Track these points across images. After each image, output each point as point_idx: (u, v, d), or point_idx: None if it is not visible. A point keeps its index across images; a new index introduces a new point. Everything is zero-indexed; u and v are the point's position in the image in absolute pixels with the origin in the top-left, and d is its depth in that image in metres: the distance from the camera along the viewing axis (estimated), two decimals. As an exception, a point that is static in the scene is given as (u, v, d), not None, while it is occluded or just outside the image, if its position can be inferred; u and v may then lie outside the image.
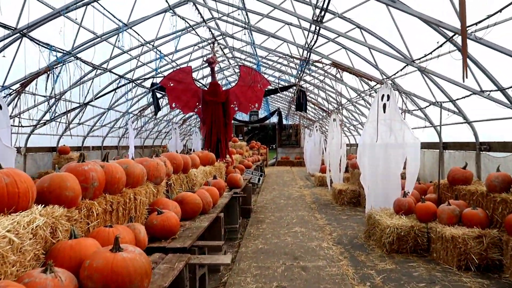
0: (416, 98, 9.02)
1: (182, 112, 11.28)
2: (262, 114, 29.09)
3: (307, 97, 12.96)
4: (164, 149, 22.40)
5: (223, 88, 11.20)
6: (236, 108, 10.72)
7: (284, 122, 29.79)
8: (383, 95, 8.06)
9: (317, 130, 21.23)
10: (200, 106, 10.72)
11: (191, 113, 15.20)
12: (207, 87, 11.00)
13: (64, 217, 2.90)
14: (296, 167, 28.30)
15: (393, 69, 8.42)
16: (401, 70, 7.88)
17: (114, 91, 11.83)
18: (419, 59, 7.08)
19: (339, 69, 8.67)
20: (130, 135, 14.62)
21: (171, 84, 10.67)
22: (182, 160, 6.40)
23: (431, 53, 6.34)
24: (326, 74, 10.86)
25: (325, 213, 10.32)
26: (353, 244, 7.26)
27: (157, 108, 12.93)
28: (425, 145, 10.17)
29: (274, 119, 28.21)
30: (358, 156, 8.56)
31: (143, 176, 4.49)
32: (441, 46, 6.07)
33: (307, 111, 12.75)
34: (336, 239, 7.64)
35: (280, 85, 12.83)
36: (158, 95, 12.69)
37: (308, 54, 9.24)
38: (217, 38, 11.67)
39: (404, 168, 8.05)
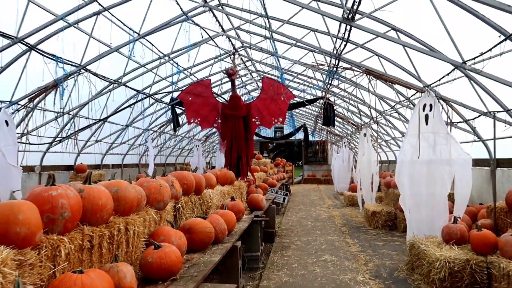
0: (464, 107, 7.84)
1: (201, 128, 10.56)
2: (287, 130, 28.24)
3: (335, 111, 12.05)
4: (187, 167, 21.85)
5: (244, 102, 10.45)
6: (258, 123, 9.92)
7: (311, 138, 28.80)
8: (424, 105, 7.07)
9: (345, 146, 20.14)
10: (219, 121, 10.00)
11: (215, 129, 14.53)
12: (227, 101, 10.29)
13: (10, 262, 2.12)
14: (323, 185, 27.10)
15: (433, 77, 7.52)
16: (447, 74, 6.90)
17: (131, 107, 11.31)
18: (473, 58, 5.95)
19: (372, 77, 7.71)
20: (149, 153, 14.06)
21: (190, 98, 10.02)
22: (194, 180, 5.60)
23: (490, 50, 5.30)
24: (356, 84, 9.94)
25: (358, 238, 9.24)
26: (394, 279, 6.19)
27: (177, 124, 12.32)
28: (472, 162, 8.96)
29: (300, 136, 27.36)
30: (397, 174, 7.53)
31: (139, 201, 3.70)
32: (499, 43, 5.09)
33: (335, 126, 11.78)
34: (373, 271, 6.58)
35: (305, 99, 11.99)
36: (178, 111, 12.12)
37: (337, 61, 8.36)
38: (238, 49, 11.01)
39: (452, 189, 6.97)
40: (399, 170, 7.46)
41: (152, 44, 8.87)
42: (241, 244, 5.44)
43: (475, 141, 8.47)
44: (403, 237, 8.75)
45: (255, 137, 28.20)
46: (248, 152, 9.81)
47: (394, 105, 10.64)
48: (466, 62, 6.07)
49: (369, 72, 7.72)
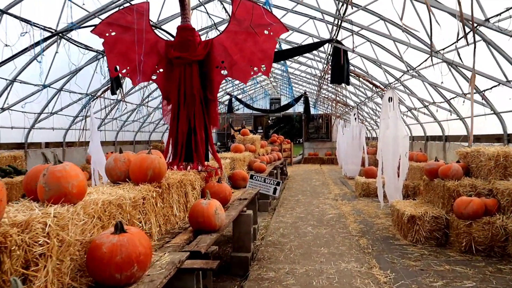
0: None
1: (132, 83, 6.55)
2: (285, 102, 24.21)
3: (349, 62, 8.01)
4: (162, 146, 18.13)
5: (202, 38, 6.38)
6: (225, 72, 5.94)
7: (313, 111, 24.79)
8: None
9: (355, 118, 16.13)
10: (161, 70, 6.04)
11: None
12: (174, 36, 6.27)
13: None
14: (327, 166, 23.26)
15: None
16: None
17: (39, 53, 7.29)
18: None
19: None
20: (92, 125, 10.18)
21: (113, 33, 6.00)
22: None
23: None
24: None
25: (392, 267, 5.42)
26: None
27: (116, 83, 8.40)
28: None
29: (301, 108, 23.33)
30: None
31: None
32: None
33: (349, 83, 7.79)
34: None
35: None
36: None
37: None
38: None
39: None
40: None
41: None
42: None
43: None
44: (470, 264, 4.98)
45: (246, 110, 24.17)
46: (208, 122, 5.89)
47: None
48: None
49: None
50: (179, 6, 5.91)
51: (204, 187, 5.35)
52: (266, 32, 5.92)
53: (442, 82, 7.06)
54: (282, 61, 14.84)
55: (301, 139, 33.59)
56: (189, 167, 5.44)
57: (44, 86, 8.65)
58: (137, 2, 6.28)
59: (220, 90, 19.39)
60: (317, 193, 12.55)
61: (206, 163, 5.81)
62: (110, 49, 6.03)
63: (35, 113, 9.87)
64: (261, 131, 28.51)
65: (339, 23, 7.43)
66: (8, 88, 8.55)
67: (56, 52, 7.56)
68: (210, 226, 3.95)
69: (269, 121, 46.06)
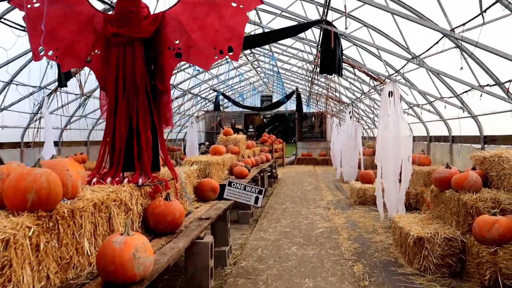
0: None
1: (61, 69, 5.18)
2: (276, 99, 22.84)
3: (341, 47, 6.64)
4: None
5: (151, 11, 4.99)
6: (181, 56, 4.58)
7: (306, 109, 23.45)
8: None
9: (351, 116, 14.80)
10: (97, 52, 4.66)
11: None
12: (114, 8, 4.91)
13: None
14: (320, 167, 21.94)
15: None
16: (436, 43, 6.29)
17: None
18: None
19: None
20: (46, 124, 8.79)
21: (36, 4, 4.65)
22: None
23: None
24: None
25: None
26: None
27: (65, 76, 7.05)
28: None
29: (293, 106, 22.00)
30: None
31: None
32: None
33: (342, 74, 6.42)
34: None
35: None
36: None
37: None
38: None
39: None
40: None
41: None
42: None
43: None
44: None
45: (235, 108, 22.66)
46: (158, 119, 4.54)
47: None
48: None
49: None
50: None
51: (146, 207, 4.01)
52: (234, 4, 4.58)
53: (461, 68, 5.72)
54: (270, 53, 13.47)
55: (295, 138, 32.24)
56: (126, 180, 4.08)
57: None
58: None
59: (202, 84, 18.12)
60: (308, 200, 11.22)
61: (154, 174, 4.46)
62: (33, 25, 4.66)
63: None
64: (252, 130, 27.11)
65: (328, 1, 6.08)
66: None
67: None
68: (125, 277, 2.60)
69: (264, 119, 44.67)
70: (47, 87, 9.05)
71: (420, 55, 6.90)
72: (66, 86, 7.59)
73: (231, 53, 4.62)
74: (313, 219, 8.73)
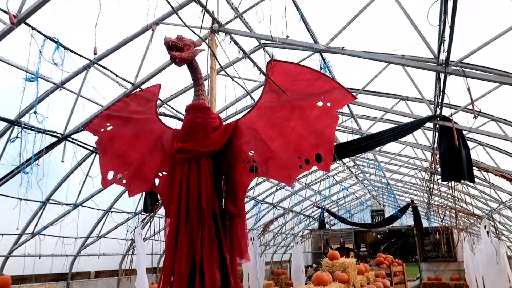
0: None
1: (129, 195, 4.63)
2: (389, 213, 20.45)
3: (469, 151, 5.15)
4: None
5: (223, 120, 4.30)
6: (257, 170, 3.69)
7: (426, 223, 20.33)
8: None
9: (487, 231, 11.93)
10: (164, 173, 4.03)
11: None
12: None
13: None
14: (456, 296, 17.84)
15: None
16: None
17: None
18: None
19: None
20: (138, 250, 8.41)
21: (109, 128, 4.38)
22: None
23: None
24: None
25: None
26: None
27: (152, 200, 6.72)
28: None
29: (410, 221, 19.34)
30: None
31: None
32: None
33: (474, 180, 4.81)
34: None
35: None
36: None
37: None
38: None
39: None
40: None
41: None
42: None
43: None
44: None
45: (343, 225, 20.66)
46: (231, 251, 3.51)
47: None
48: None
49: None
50: (191, 77, 4.07)
51: None
52: (320, 103, 3.70)
53: None
54: (375, 163, 12.15)
55: (415, 257, 27.93)
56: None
57: (75, 206, 7.33)
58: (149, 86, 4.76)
59: (305, 201, 17.02)
60: None
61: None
62: (104, 149, 4.34)
63: (75, 238, 8.49)
64: (365, 249, 24.22)
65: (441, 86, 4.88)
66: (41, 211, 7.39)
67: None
68: None
69: (378, 235, 40.75)
70: (142, 213, 8.96)
71: None
72: (152, 211, 7.27)
73: (319, 163, 3.58)
74: None
